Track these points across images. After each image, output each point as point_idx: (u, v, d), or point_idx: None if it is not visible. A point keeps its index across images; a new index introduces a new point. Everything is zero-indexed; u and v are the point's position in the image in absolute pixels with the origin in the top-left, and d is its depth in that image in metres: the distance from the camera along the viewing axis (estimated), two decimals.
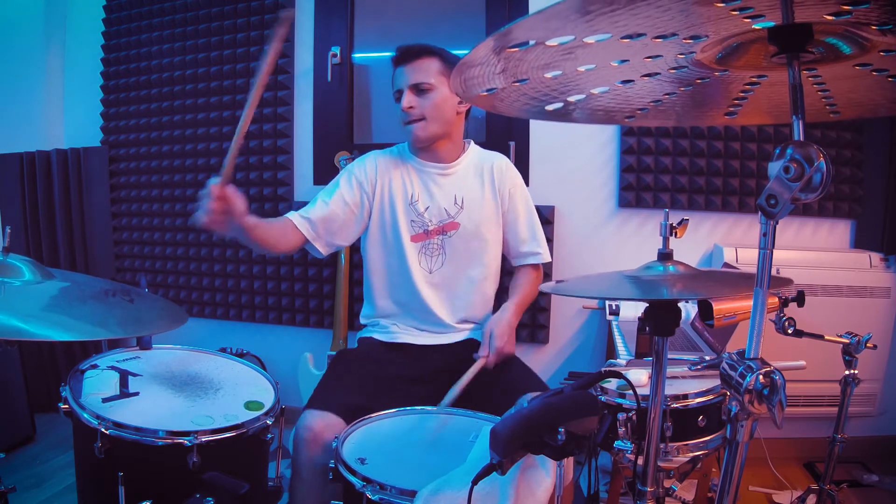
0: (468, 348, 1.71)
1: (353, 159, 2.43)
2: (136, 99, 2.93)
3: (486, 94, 0.84)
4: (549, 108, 0.91)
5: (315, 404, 1.47)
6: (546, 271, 2.31)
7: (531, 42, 0.66)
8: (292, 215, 1.68)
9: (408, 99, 1.66)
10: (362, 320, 1.88)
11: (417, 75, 1.66)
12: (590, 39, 0.66)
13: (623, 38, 0.66)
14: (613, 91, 0.87)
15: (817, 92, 0.89)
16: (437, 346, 1.74)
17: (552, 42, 0.67)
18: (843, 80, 0.84)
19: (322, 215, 1.69)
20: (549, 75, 0.78)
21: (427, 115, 1.67)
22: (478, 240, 1.76)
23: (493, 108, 0.95)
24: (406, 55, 1.68)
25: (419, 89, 1.66)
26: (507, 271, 1.89)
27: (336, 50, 2.62)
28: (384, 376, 1.63)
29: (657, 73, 0.81)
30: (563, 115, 0.96)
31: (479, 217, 1.75)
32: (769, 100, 0.96)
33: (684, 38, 0.69)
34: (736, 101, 0.96)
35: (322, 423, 1.41)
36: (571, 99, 0.88)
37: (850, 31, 0.68)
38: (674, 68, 0.80)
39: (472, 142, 1.85)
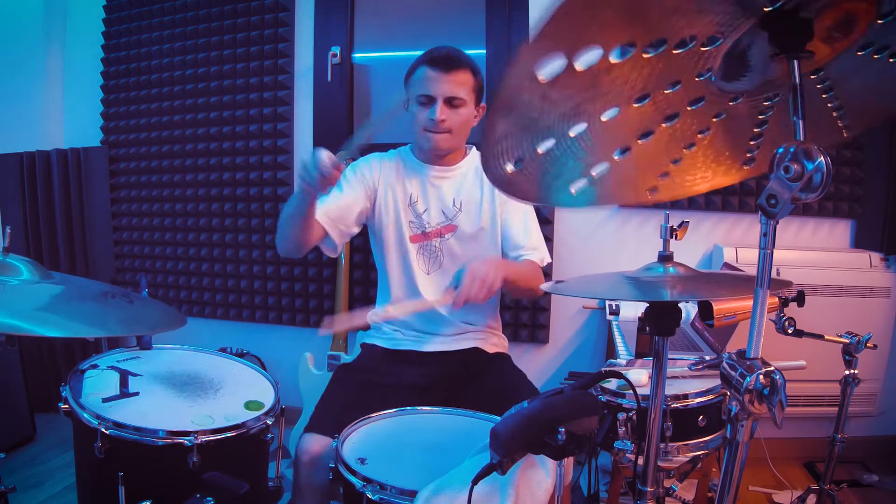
0: (472, 357, 1.71)
1: (354, 160, 2.44)
2: (136, 99, 2.93)
3: (512, 169, 0.80)
4: (573, 188, 0.88)
5: (315, 427, 1.47)
6: (546, 271, 2.31)
7: (562, 62, 0.63)
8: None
9: (441, 111, 1.62)
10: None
11: (455, 88, 1.63)
12: (615, 58, 0.64)
13: (646, 50, 0.65)
14: (634, 153, 0.84)
15: (827, 104, 0.87)
16: (440, 352, 1.74)
17: (580, 64, 0.64)
18: (849, 77, 0.83)
19: (336, 204, 1.68)
20: (572, 133, 0.75)
21: (454, 130, 1.66)
22: (475, 242, 1.75)
23: (525, 196, 0.91)
24: (446, 63, 1.63)
25: (452, 103, 1.64)
26: None
27: (336, 50, 2.62)
28: (385, 386, 1.62)
29: (676, 115, 0.79)
30: (588, 196, 0.92)
31: (476, 220, 1.74)
32: (784, 134, 0.95)
33: (701, 46, 0.68)
34: (752, 144, 0.94)
35: (321, 447, 1.42)
36: (594, 172, 0.86)
37: (846, 14, 0.67)
38: (691, 103, 0.78)
39: (474, 146, 1.84)
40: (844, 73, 0.82)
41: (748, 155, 0.98)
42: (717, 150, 0.95)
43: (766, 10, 0.66)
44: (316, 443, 1.42)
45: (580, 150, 0.80)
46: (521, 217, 1.78)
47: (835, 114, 0.92)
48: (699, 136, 0.87)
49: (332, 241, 1.68)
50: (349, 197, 1.72)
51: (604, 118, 0.75)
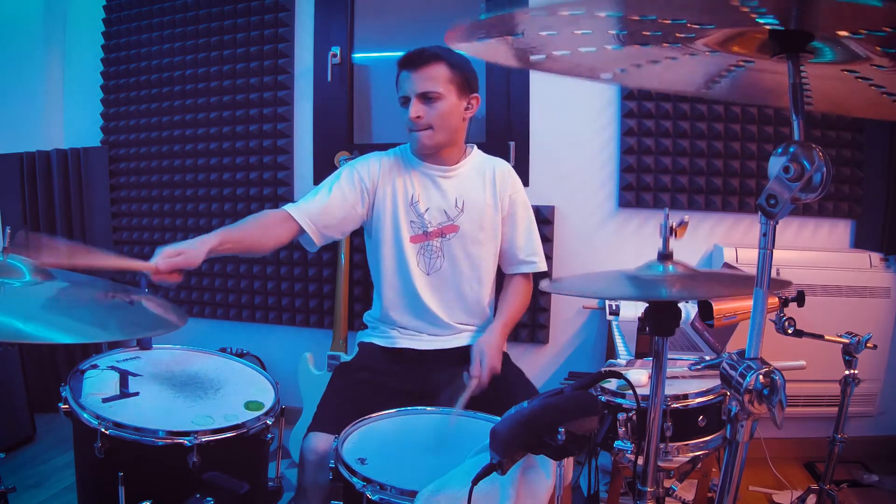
0: (468, 354, 1.70)
1: (353, 160, 2.45)
2: (136, 99, 2.93)
3: (477, 43, 0.83)
4: (533, 58, 0.90)
5: (319, 426, 1.47)
6: (546, 272, 2.31)
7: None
8: (288, 207, 1.67)
9: (415, 108, 1.63)
10: (365, 319, 1.88)
11: (426, 83, 1.63)
12: (601, 13, 0.66)
13: (633, 16, 0.66)
14: (599, 52, 0.86)
15: None
16: (439, 350, 1.74)
17: (563, 11, 0.66)
18: (825, 79, 0.85)
19: (321, 206, 1.68)
20: (543, 33, 0.77)
21: (434, 125, 1.65)
22: (476, 244, 1.75)
23: (474, 53, 0.94)
24: (414, 61, 1.64)
25: (427, 98, 1.63)
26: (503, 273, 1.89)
27: (336, 50, 2.62)
28: (387, 391, 1.62)
29: (649, 44, 0.81)
30: (543, 66, 0.94)
31: (478, 221, 1.74)
32: (749, 82, 0.96)
33: (690, 23, 0.68)
34: (717, 79, 0.96)
35: (327, 446, 1.41)
36: (556, 53, 0.88)
37: (852, 42, 0.68)
38: (668, 42, 0.80)
39: (476, 146, 1.84)
40: (823, 74, 0.83)
41: (710, 84, 1.00)
42: (681, 70, 0.96)
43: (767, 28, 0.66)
44: (323, 442, 1.42)
45: (546, 40, 0.82)
46: (525, 223, 1.79)
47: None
48: (668, 59, 0.88)
49: (310, 238, 1.68)
50: (336, 201, 1.69)
51: (577, 32, 0.77)
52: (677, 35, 0.76)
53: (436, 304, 1.75)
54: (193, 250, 1.43)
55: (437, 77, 1.63)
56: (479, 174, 1.77)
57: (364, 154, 1.86)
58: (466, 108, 1.70)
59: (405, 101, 1.67)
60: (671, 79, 1.04)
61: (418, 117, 1.64)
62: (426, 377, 1.68)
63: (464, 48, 0.91)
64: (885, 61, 0.68)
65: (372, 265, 1.83)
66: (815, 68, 0.81)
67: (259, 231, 1.62)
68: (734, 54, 0.82)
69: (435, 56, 1.64)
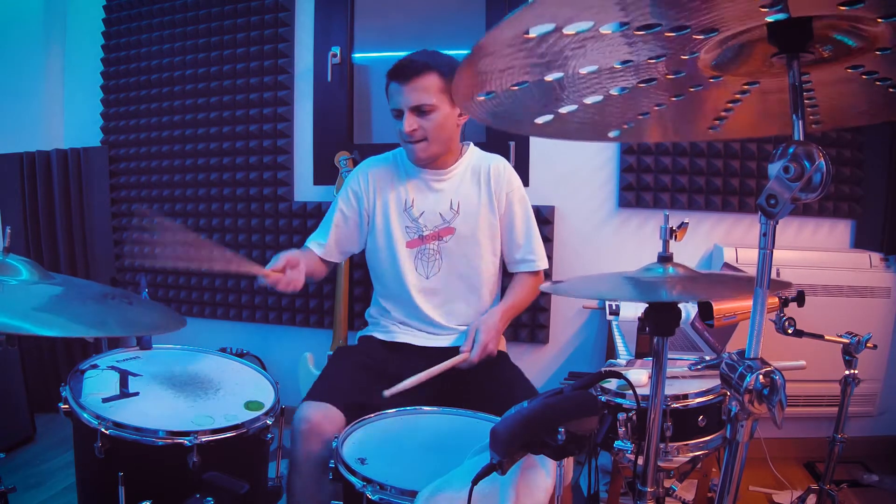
0: None
1: (354, 159, 2.45)
2: (136, 99, 2.93)
3: (483, 98, 0.82)
4: (539, 120, 0.90)
5: (313, 396, 1.47)
6: (546, 272, 2.31)
7: (550, 27, 0.64)
8: (312, 245, 1.78)
9: (410, 122, 1.62)
10: (366, 316, 1.89)
11: (419, 96, 1.60)
12: (606, 29, 0.65)
13: (639, 29, 0.66)
14: (605, 102, 0.86)
15: (805, 100, 0.90)
16: (437, 347, 1.74)
17: (569, 30, 0.65)
18: (831, 85, 0.85)
19: (330, 239, 1.78)
20: (549, 78, 0.77)
21: (430, 136, 1.64)
22: (474, 245, 1.74)
23: (485, 120, 0.94)
24: (404, 73, 1.60)
25: (421, 111, 1.62)
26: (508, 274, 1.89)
27: (336, 50, 2.62)
28: (383, 373, 1.63)
29: (654, 80, 0.81)
30: (551, 129, 0.94)
31: (475, 222, 1.74)
32: (754, 112, 0.96)
33: (695, 34, 0.68)
34: (722, 114, 0.96)
35: (320, 414, 1.41)
36: (563, 111, 0.87)
37: (851, 27, 0.68)
38: (671, 74, 0.80)
39: (472, 143, 1.83)
40: (828, 79, 0.83)
41: (715, 122, 1.00)
42: (685, 112, 0.96)
43: (768, 21, 0.66)
44: (315, 410, 1.41)
45: (552, 91, 0.81)
46: (523, 222, 1.78)
47: (808, 110, 0.93)
48: (672, 98, 0.88)
49: (333, 261, 1.84)
50: (342, 229, 1.79)
51: (582, 71, 0.76)
52: (681, 58, 0.75)
53: (433, 309, 1.75)
54: (299, 273, 1.60)
55: (429, 88, 1.60)
56: (474, 174, 1.76)
57: (364, 156, 1.87)
58: (460, 115, 1.68)
59: (398, 114, 1.65)
60: (677, 125, 1.04)
61: (414, 131, 1.63)
62: (425, 366, 1.68)
63: (472, 112, 0.90)
64: (886, 31, 0.67)
65: (371, 270, 1.86)
66: (819, 73, 0.80)
67: (316, 265, 1.79)
68: (738, 76, 0.82)
69: (425, 66, 1.60)
